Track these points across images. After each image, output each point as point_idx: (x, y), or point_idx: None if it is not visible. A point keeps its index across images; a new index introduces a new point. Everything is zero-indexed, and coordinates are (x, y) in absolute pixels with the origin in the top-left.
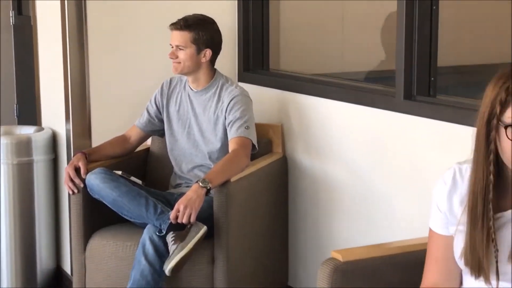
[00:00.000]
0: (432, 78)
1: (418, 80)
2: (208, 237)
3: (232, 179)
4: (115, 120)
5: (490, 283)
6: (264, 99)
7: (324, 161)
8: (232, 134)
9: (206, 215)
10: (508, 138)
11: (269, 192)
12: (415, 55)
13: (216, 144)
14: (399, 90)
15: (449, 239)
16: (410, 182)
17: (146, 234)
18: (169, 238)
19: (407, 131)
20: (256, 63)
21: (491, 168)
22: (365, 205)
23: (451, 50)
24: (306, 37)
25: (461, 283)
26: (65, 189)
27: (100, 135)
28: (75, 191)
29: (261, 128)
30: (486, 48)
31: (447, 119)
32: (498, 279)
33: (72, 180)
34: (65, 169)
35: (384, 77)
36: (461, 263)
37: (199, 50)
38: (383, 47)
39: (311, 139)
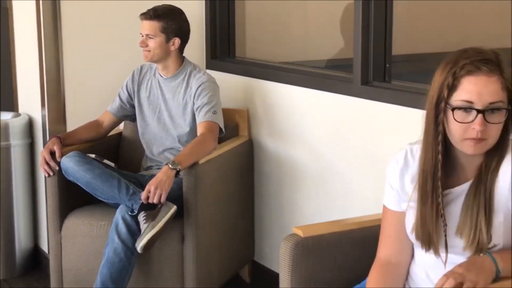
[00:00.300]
0: (387, 65)
1: (374, 66)
2: (178, 216)
3: (201, 161)
4: (88, 106)
5: (439, 256)
6: (231, 85)
7: (287, 143)
8: (200, 118)
9: (176, 196)
10: (455, 120)
11: (236, 173)
12: (371, 44)
13: (185, 128)
14: (357, 76)
15: (401, 215)
16: (367, 162)
17: (119, 214)
18: (141, 217)
19: (364, 114)
20: (223, 51)
21: (440, 148)
22: (326, 184)
23: (406, 39)
24: (271, 27)
25: (412, 255)
26: (42, 172)
27: (75, 121)
28: (51, 173)
29: (228, 113)
30: (438, 37)
31: (401, 103)
32: (446, 251)
33: (47, 163)
34: (41, 153)
35: (344, 64)
36: (412, 237)
37: (168, 39)
38: (342, 36)
39: (275, 123)
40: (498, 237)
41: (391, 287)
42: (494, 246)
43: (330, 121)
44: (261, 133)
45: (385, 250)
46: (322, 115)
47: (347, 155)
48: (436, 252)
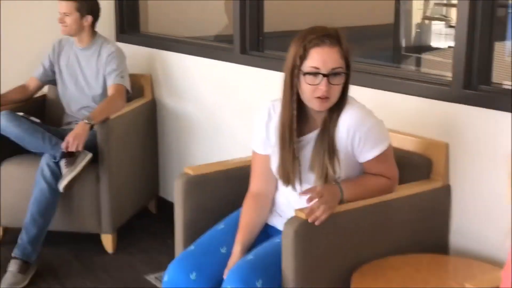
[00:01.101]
0: (260, 38)
1: (250, 39)
2: (94, 161)
3: (112, 117)
4: (18, 73)
5: (295, 189)
6: (137, 55)
7: (183, 101)
8: (110, 82)
9: (91, 145)
10: (306, 83)
11: (142, 126)
12: (247, 20)
13: (98, 90)
14: (237, 47)
15: (267, 157)
16: (245, 116)
17: (44, 161)
18: (62, 163)
19: (243, 77)
20: (130, 27)
21: (294, 105)
22: (214, 133)
23: (283, 18)
24: (171, 7)
25: (277, 187)
26: None
27: (6, 85)
28: None
29: (134, 78)
30: (308, 16)
31: (271, 68)
32: (300, 184)
33: None
34: None
35: (228, 39)
36: (276, 175)
37: (82, 16)
38: (226, 15)
39: (173, 85)
40: (340, 171)
41: (260, 212)
42: (338, 177)
43: (216, 83)
44: (162, 94)
45: (255, 184)
46: (210, 78)
47: (230, 110)
48: (293, 186)
